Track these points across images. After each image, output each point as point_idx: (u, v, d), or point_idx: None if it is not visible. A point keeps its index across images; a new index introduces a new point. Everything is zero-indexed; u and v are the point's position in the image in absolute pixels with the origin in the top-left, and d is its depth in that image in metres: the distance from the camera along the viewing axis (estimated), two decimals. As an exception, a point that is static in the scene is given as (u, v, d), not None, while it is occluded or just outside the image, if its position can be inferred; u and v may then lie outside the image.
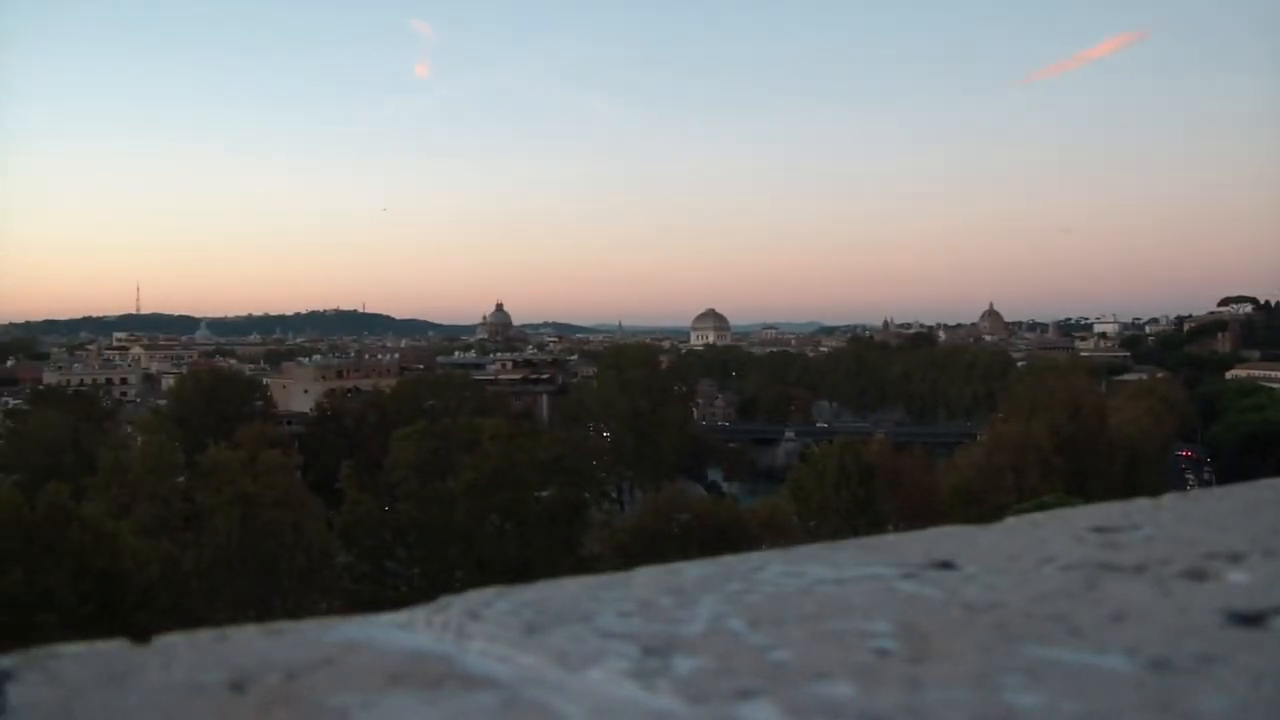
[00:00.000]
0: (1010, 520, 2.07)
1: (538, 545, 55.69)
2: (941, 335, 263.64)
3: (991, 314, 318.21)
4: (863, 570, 1.69)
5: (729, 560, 1.77)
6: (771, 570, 1.70)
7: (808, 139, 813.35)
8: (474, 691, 1.20)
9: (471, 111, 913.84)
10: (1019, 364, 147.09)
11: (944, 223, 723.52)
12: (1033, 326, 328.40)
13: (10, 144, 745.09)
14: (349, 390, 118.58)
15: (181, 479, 53.86)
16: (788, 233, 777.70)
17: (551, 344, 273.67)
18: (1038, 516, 2.08)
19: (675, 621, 1.43)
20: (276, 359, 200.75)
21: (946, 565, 1.72)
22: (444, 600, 1.54)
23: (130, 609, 36.98)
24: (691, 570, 1.72)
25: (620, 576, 1.69)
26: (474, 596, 1.56)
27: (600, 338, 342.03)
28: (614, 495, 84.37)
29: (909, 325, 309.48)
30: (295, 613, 44.97)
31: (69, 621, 34.96)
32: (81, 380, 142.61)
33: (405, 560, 56.83)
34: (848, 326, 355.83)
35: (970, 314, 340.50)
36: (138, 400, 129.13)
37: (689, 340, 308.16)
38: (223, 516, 48.50)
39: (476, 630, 1.41)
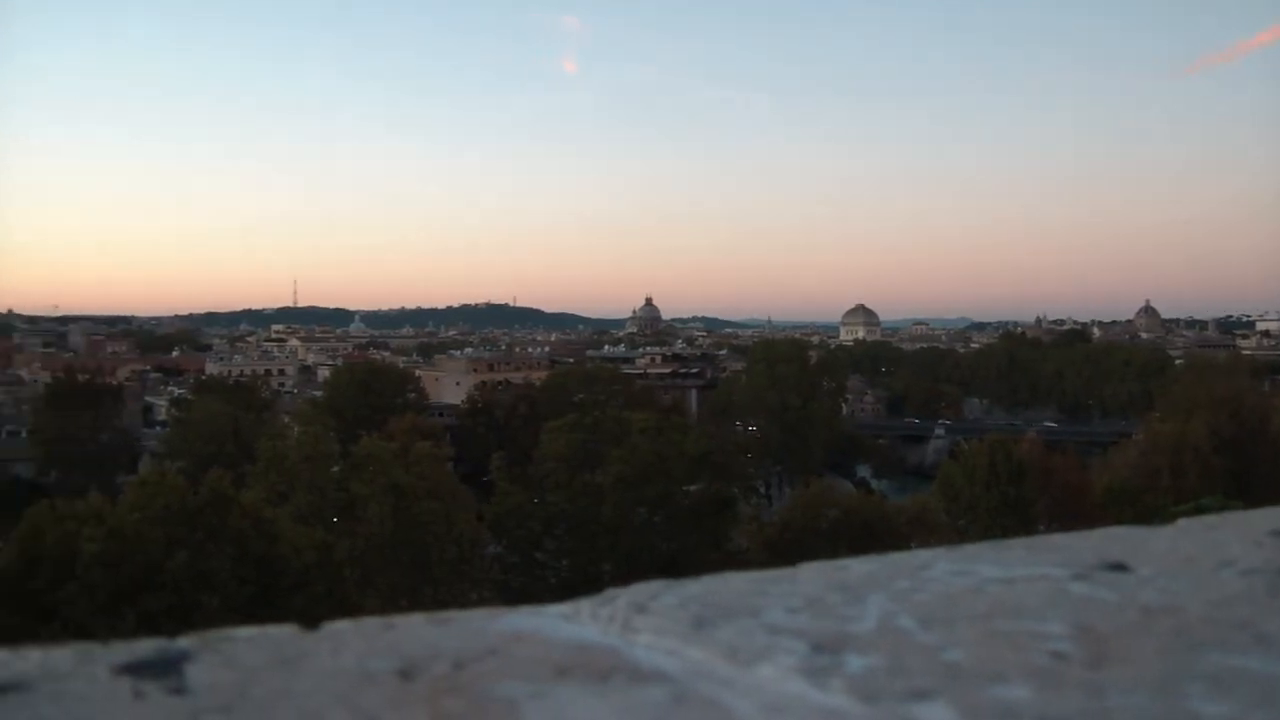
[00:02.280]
0: (1182, 522, 2.00)
1: (685, 539, 55.70)
2: (1096, 332, 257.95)
3: (1147, 311, 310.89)
4: (1032, 570, 1.65)
5: (896, 557, 1.75)
6: (939, 568, 1.67)
7: (960, 133, 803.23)
8: (643, 685, 1.19)
9: (620, 106, 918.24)
10: (1176, 362, 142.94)
11: (1098, 218, 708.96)
12: (1191, 324, 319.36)
13: (168, 146, 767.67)
14: (500, 383, 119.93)
15: (336, 469, 54.71)
16: (938, 228, 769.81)
17: (700, 338, 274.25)
18: (1212, 519, 2.02)
19: (844, 619, 1.41)
20: (429, 352, 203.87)
21: (1119, 567, 1.67)
22: (609, 593, 1.53)
23: (287, 593, 37.75)
24: (858, 567, 1.69)
25: (786, 572, 1.67)
26: (639, 589, 1.55)
27: (749, 333, 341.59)
28: (762, 490, 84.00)
29: (1062, 322, 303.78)
30: (446, 602, 45.68)
31: (229, 603, 35.89)
32: (241, 371, 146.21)
33: (554, 552, 57.18)
34: (999, 323, 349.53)
35: (1125, 311, 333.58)
36: (295, 391, 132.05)
37: (838, 335, 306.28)
38: (376, 506, 49.29)
39: (643, 623, 1.40)
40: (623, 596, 1.51)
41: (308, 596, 37.83)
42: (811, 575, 1.65)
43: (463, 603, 47.35)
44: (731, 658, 1.27)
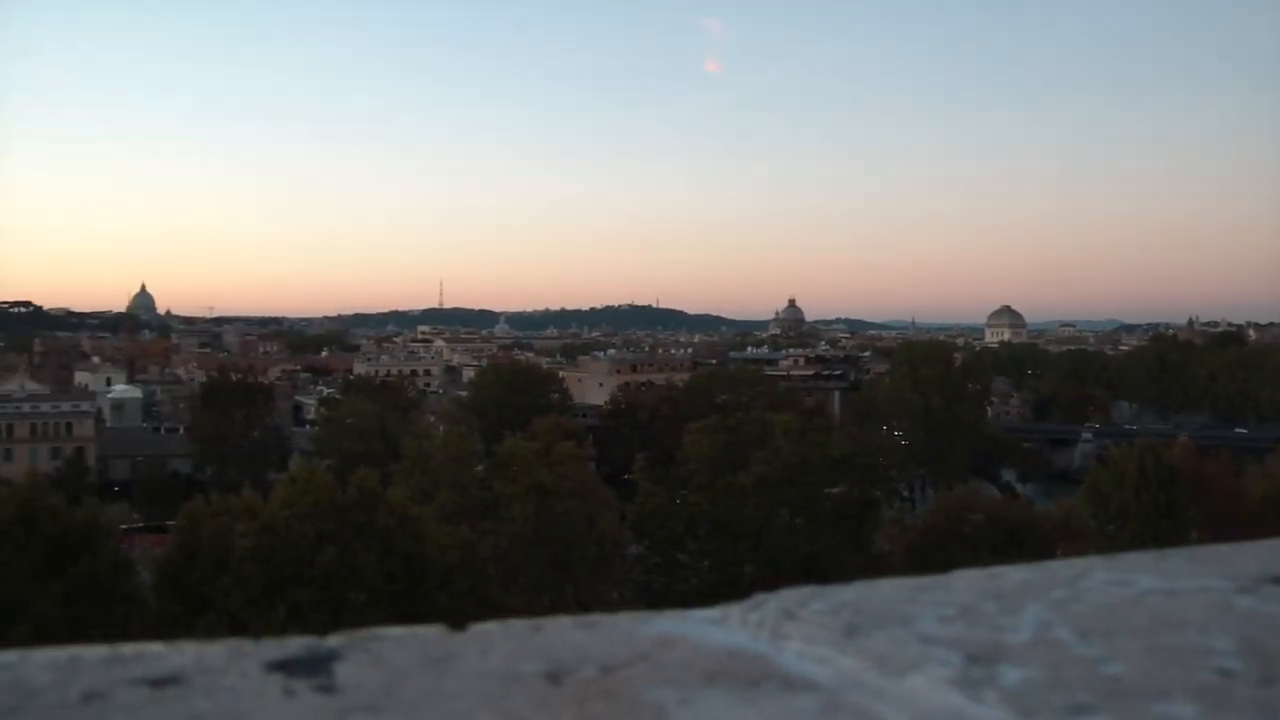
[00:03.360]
0: None
1: (827, 541, 55.30)
2: (1251, 334, 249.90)
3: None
4: (1195, 582, 1.58)
5: (1051, 565, 1.69)
6: (1096, 578, 1.60)
7: (1108, 132, 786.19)
8: (794, 693, 1.17)
9: (763, 106, 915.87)
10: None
11: (1254, 218, 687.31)
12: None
13: (319, 150, 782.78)
14: (642, 384, 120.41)
15: (480, 468, 55.27)
16: (1087, 228, 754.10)
17: (844, 340, 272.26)
18: None
19: (999, 629, 1.37)
20: (572, 353, 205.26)
21: None
22: (758, 598, 1.50)
23: (431, 590, 38.28)
24: (1012, 575, 1.64)
25: (938, 579, 1.62)
26: (789, 595, 1.51)
27: (893, 334, 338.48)
28: (905, 493, 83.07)
29: (1215, 324, 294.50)
30: (587, 601, 45.94)
31: (375, 599, 36.54)
32: (388, 371, 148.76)
33: (695, 553, 57.14)
34: (1149, 325, 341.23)
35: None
36: (440, 391, 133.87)
37: (983, 337, 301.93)
38: (519, 505, 49.70)
39: (793, 630, 1.37)
40: (772, 602, 1.48)
41: (451, 594, 38.35)
42: (964, 583, 1.59)
43: (604, 602, 47.62)
44: (883, 667, 1.24)
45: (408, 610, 35.62)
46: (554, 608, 45.70)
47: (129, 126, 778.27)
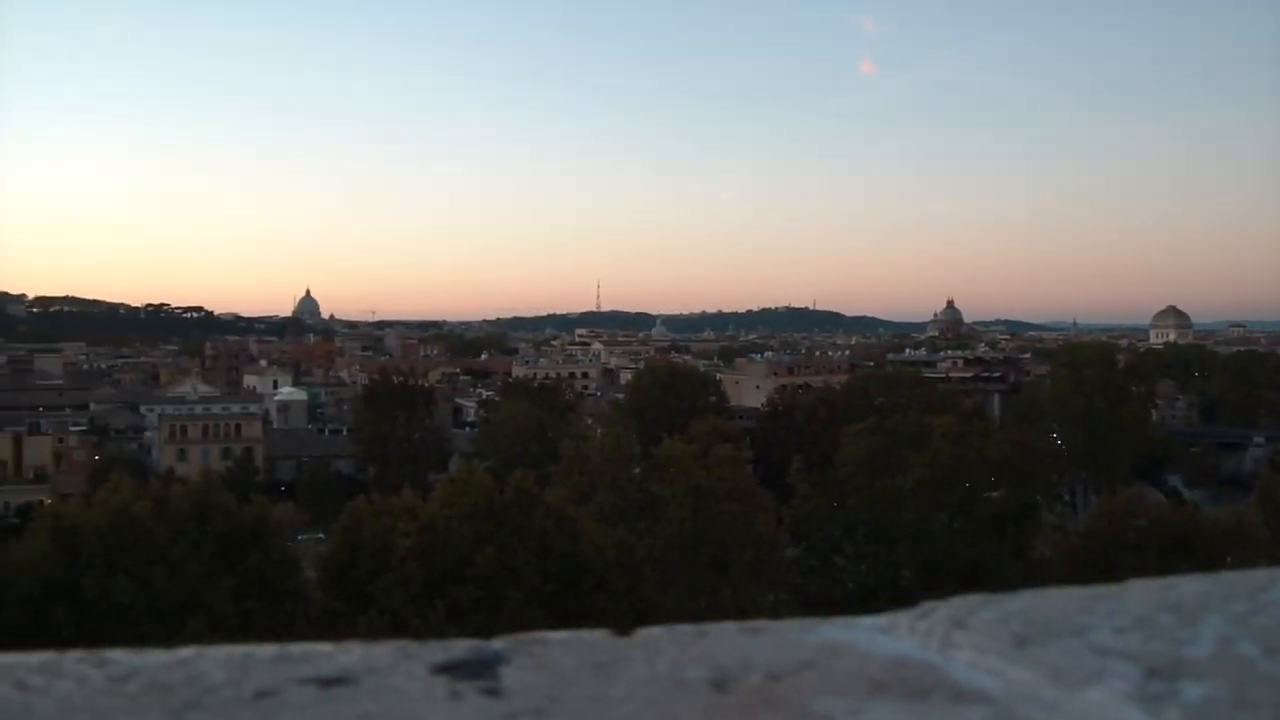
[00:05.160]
0: None
1: (986, 546, 54.38)
2: None
3: None
4: None
5: (1230, 577, 1.57)
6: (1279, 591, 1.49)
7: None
8: (964, 705, 1.15)
9: (919, 107, 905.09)
10: None
11: None
12: None
13: (479, 158, 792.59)
14: (800, 386, 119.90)
15: (638, 470, 55.44)
16: (1258, 225, 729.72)
17: (1003, 342, 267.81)
18: None
19: (1178, 642, 1.32)
20: (729, 355, 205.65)
21: None
22: (926, 606, 1.45)
23: (588, 591, 38.47)
24: (1189, 586, 1.53)
25: (1112, 589, 1.53)
26: (958, 603, 1.45)
27: (1054, 335, 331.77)
28: (1066, 498, 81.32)
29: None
30: (744, 603, 45.80)
31: (533, 599, 36.83)
32: (546, 374, 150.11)
33: (852, 556, 56.71)
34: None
35: None
36: (598, 393, 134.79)
37: (1147, 338, 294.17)
38: (676, 507, 49.76)
39: (963, 639, 1.34)
40: (941, 610, 1.43)
41: (608, 594, 38.51)
42: (1140, 593, 1.50)
43: (760, 605, 47.44)
44: (1057, 680, 1.21)
45: (564, 610, 35.86)
46: (710, 610, 45.70)
47: (296, 138, 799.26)
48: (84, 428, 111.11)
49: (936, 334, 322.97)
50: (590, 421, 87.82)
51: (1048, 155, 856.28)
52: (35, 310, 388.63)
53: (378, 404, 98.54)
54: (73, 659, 1.24)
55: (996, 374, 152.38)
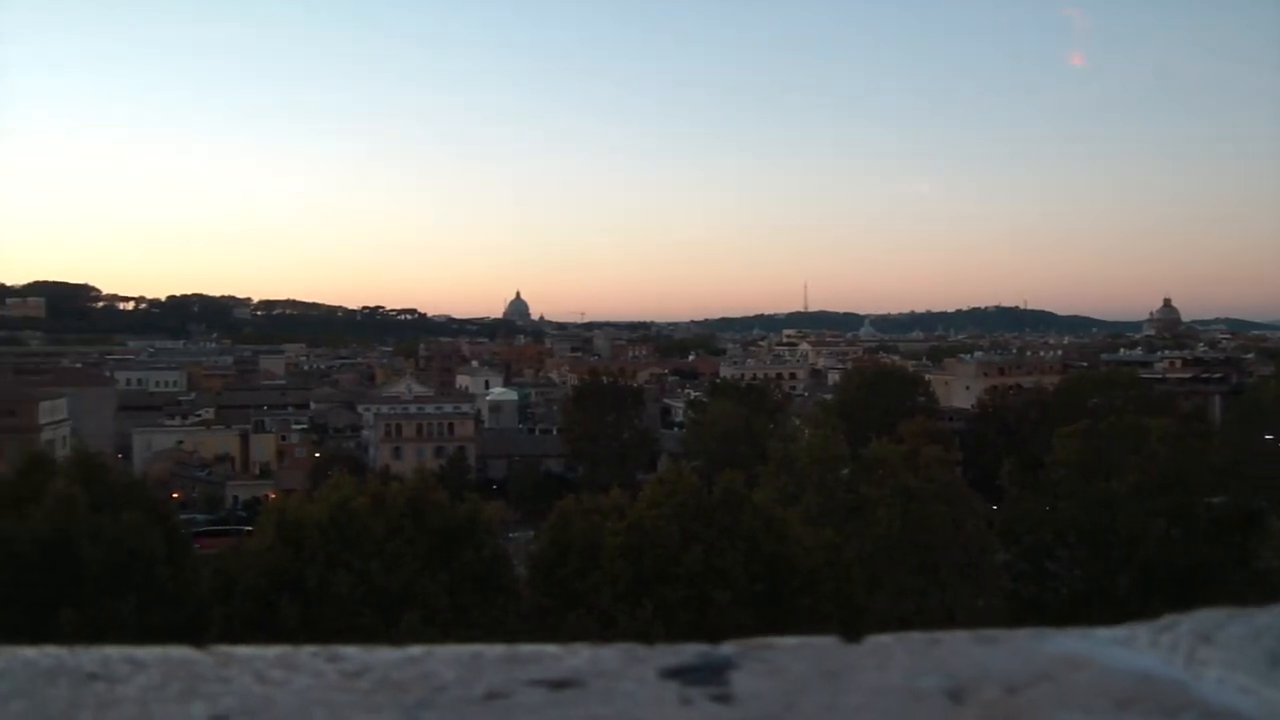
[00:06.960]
0: None
1: (1206, 554, 52.45)
2: None
3: None
4: None
5: None
6: None
7: None
8: None
9: (1131, 99, 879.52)
10: None
11: None
12: None
13: (687, 156, 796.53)
14: (1011, 387, 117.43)
15: (846, 471, 55.12)
16: None
17: (1224, 341, 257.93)
18: None
19: None
20: (938, 355, 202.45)
21: None
22: (1169, 619, 1.40)
23: (795, 593, 38.35)
24: None
25: None
26: (1203, 617, 1.39)
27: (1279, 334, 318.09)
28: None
29: None
30: (952, 607, 45.11)
31: (739, 599, 36.88)
32: (754, 374, 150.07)
33: (1065, 561, 55.30)
34: None
35: None
36: (805, 394, 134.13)
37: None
38: (884, 509, 49.33)
39: (1210, 655, 1.27)
40: (1185, 623, 1.37)
41: (816, 596, 38.35)
42: None
43: (970, 609, 46.68)
44: None
45: (772, 611, 35.86)
46: (919, 613, 45.15)
47: (499, 146, 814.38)
48: (305, 426, 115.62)
49: (1153, 333, 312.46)
50: (798, 422, 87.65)
51: (1264, 142, 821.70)
52: (259, 313, 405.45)
53: (587, 404, 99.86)
54: (307, 654, 1.27)
55: (1217, 375, 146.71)
